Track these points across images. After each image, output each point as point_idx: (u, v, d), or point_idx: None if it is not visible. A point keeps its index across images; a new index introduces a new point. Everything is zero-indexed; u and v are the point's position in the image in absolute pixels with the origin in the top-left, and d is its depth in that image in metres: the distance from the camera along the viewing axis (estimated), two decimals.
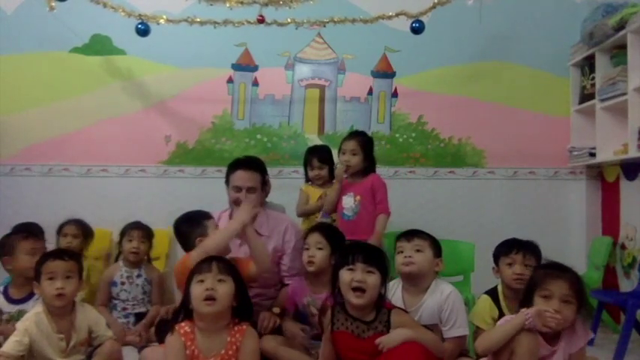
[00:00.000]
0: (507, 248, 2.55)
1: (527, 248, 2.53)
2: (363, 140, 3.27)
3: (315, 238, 2.67)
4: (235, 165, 3.01)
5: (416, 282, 2.45)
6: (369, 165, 3.26)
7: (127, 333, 3.00)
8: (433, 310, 2.39)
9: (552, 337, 2.04)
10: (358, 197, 3.17)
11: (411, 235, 2.49)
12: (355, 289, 2.15)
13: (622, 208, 3.78)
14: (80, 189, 4.12)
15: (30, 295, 2.61)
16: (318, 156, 3.50)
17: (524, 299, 2.09)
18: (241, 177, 2.94)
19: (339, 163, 3.25)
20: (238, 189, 2.92)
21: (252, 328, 2.24)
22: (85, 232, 3.44)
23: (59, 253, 2.39)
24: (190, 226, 2.65)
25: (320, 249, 2.64)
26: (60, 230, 3.40)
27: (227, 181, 3.02)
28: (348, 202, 3.19)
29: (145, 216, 3.52)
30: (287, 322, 2.68)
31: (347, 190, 3.21)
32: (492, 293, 2.54)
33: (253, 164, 3.02)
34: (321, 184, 3.48)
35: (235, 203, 2.92)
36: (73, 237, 3.37)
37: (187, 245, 2.61)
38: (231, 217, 2.95)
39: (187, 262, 2.39)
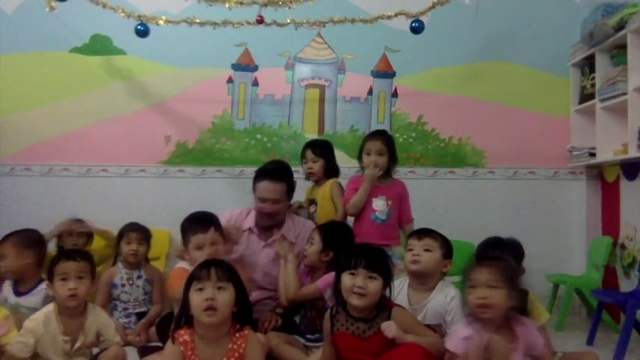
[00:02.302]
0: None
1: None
2: (389, 139, 3.17)
3: (312, 234, 2.78)
4: (262, 175, 3.00)
5: (422, 280, 2.47)
6: (393, 165, 3.19)
7: (127, 333, 3.00)
8: (437, 311, 2.40)
9: (509, 339, 2.01)
10: (390, 202, 3.11)
11: (422, 234, 2.51)
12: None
13: (622, 208, 3.78)
14: (80, 189, 4.13)
15: (30, 289, 2.66)
16: (312, 148, 3.32)
17: (464, 296, 2.10)
18: (267, 189, 2.94)
19: (368, 167, 3.07)
20: (263, 200, 2.94)
21: (254, 333, 2.20)
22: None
23: (71, 254, 2.39)
24: (187, 228, 2.65)
25: (311, 244, 2.72)
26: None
27: (254, 188, 3.01)
28: (381, 205, 3.09)
29: (145, 216, 3.52)
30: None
31: (377, 192, 3.10)
32: None
33: (280, 175, 3.00)
34: (315, 181, 3.32)
35: (259, 212, 2.98)
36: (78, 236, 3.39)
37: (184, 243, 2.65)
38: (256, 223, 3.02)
39: (172, 289, 2.40)
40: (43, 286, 2.60)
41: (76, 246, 3.21)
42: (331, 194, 3.21)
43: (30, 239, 2.75)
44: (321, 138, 3.74)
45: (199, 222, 2.62)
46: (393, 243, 3.06)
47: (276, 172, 3.03)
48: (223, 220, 2.85)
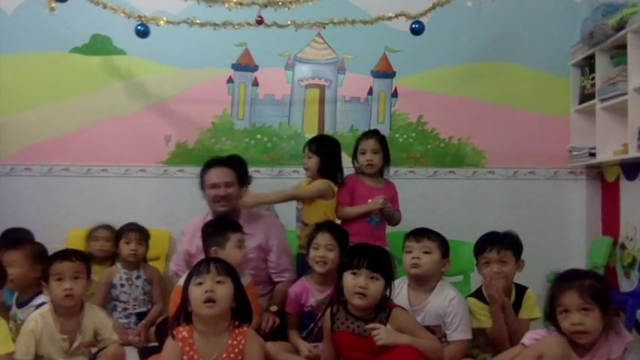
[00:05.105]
0: (482, 245, 2.56)
1: (502, 243, 2.52)
2: (382, 138, 3.25)
3: (326, 239, 2.66)
4: (207, 165, 3.10)
5: (422, 282, 2.48)
6: (387, 164, 3.26)
7: (128, 333, 3.00)
8: (437, 312, 2.41)
9: (585, 348, 1.97)
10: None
11: (420, 235, 2.50)
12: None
13: (622, 208, 3.78)
14: (80, 189, 4.12)
15: (28, 300, 2.59)
16: (310, 144, 3.25)
17: (547, 315, 2.04)
18: (216, 174, 3.02)
19: (362, 166, 3.17)
20: (215, 185, 3.00)
21: (254, 331, 2.22)
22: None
23: (66, 254, 2.39)
24: (213, 232, 2.66)
25: (330, 250, 2.65)
26: (91, 234, 3.44)
27: (202, 186, 3.07)
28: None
29: (145, 216, 3.52)
30: (293, 335, 2.67)
31: (375, 194, 3.13)
32: (477, 294, 2.56)
33: (224, 160, 3.14)
34: (311, 177, 3.24)
35: (214, 200, 3.00)
36: (105, 240, 3.42)
37: (205, 248, 2.64)
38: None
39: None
40: (39, 300, 2.51)
41: (102, 251, 3.36)
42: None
43: (42, 253, 2.68)
44: (326, 135, 3.66)
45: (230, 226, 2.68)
46: (382, 244, 3.07)
47: (219, 159, 3.17)
48: (188, 230, 3.04)
